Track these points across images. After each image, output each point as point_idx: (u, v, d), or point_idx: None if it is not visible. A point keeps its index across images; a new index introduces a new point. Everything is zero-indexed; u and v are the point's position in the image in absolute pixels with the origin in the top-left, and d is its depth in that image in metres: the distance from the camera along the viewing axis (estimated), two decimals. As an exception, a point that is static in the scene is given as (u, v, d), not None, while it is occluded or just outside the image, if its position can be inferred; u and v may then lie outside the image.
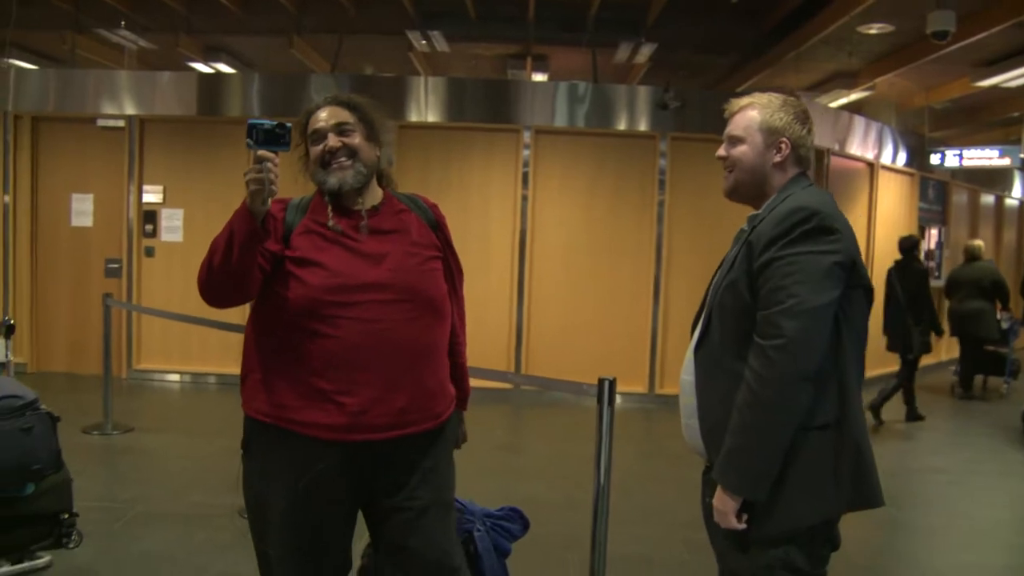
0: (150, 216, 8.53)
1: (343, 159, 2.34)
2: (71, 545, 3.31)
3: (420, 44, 10.48)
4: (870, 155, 9.89)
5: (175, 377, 8.61)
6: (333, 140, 2.34)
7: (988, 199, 13.17)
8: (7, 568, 3.17)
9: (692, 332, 2.32)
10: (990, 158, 10.93)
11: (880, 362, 9.85)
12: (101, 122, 8.54)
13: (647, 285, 8.39)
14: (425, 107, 8.50)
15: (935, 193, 11.38)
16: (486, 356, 7.72)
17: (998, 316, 9.40)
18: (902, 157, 10.54)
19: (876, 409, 7.80)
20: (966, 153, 10.88)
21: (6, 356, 4.27)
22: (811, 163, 2.28)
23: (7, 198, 8.50)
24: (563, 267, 8.44)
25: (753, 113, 2.24)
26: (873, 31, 9.25)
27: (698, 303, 2.33)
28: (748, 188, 2.26)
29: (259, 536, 2.38)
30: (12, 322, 3.98)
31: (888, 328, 7.89)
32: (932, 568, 4.57)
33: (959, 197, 12.08)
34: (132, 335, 8.55)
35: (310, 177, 2.40)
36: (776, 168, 2.22)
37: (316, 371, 2.23)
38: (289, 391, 2.25)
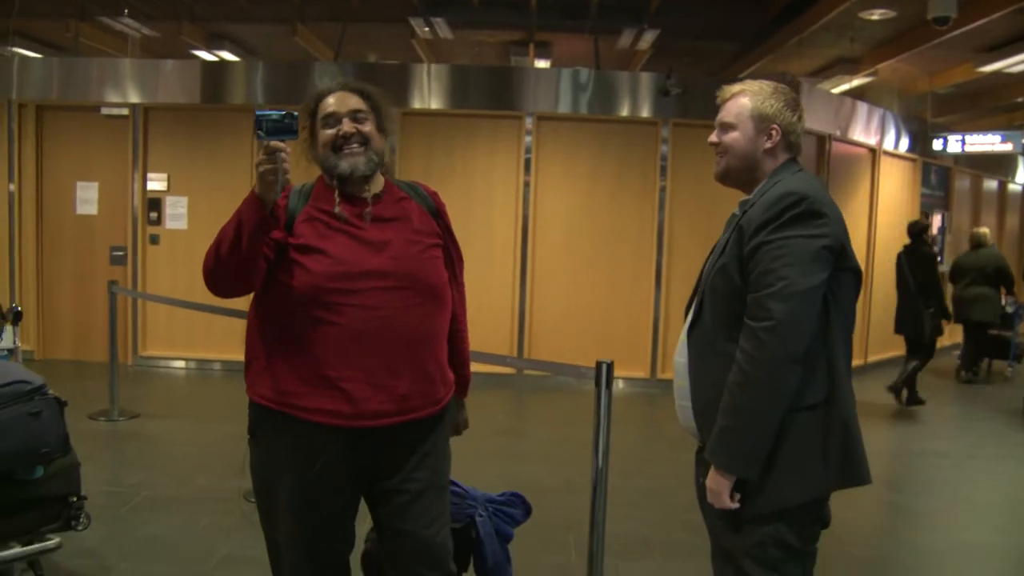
0: (154, 204, 8.57)
1: (355, 145, 2.35)
2: (80, 527, 3.34)
3: (423, 31, 10.47)
4: (872, 141, 9.89)
5: (180, 364, 8.68)
6: (348, 125, 2.35)
7: (991, 185, 13.16)
8: (18, 549, 3.22)
9: (685, 315, 2.37)
10: (992, 144, 10.91)
11: (889, 345, 9.93)
12: (105, 110, 8.57)
13: (648, 270, 8.43)
14: (428, 94, 8.53)
15: (937, 179, 11.38)
16: (489, 341, 7.76)
17: (1002, 301, 9.47)
18: (904, 143, 10.54)
19: (897, 391, 7.94)
20: (968, 139, 10.87)
21: (14, 342, 4.32)
22: (801, 149, 2.32)
23: (12, 186, 8.55)
24: (565, 253, 8.47)
25: (744, 100, 2.27)
26: (875, 17, 9.23)
27: (698, 288, 2.37)
28: (739, 173, 2.30)
29: (268, 522, 2.42)
30: (20, 309, 4.02)
31: (898, 312, 7.98)
32: (931, 549, 4.62)
33: (962, 183, 12.07)
34: (137, 322, 8.61)
35: (316, 161, 2.40)
36: (767, 154, 2.26)
37: (319, 358, 2.25)
38: (293, 378, 2.28)
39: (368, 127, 2.37)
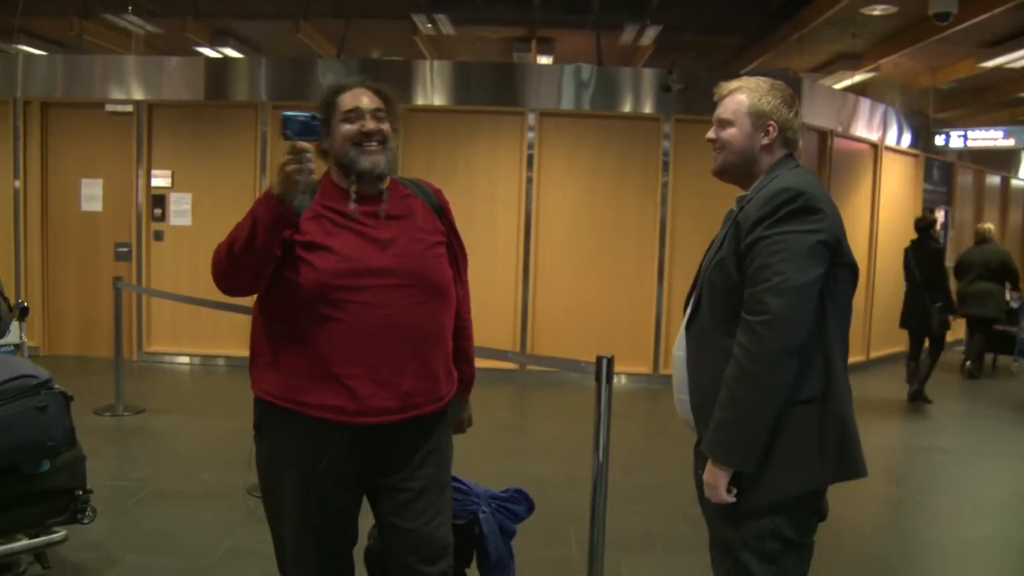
0: (159, 200, 8.61)
1: (375, 144, 2.35)
2: (86, 521, 3.37)
3: (426, 27, 10.48)
4: (874, 136, 9.90)
5: (185, 359, 8.72)
6: (372, 123, 2.35)
7: (994, 180, 13.15)
8: (25, 542, 3.25)
9: (684, 310, 2.39)
10: (995, 139, 10.92)
11: (892, 341, 9.95)
12: (109, 107, 8.61)
13: (651, 266, 8.46)
14: (431, 90, 8.55)
15: (940, 174, 11.38)
16: (491, 337, 7.77)
17: (1007, 297, 9.51)
18: (907, 138, 10.54)
19: (918, 394, 8.00)
20: (971, 134, 10.88)
21: (20, 338, 4.35)
22: (797, 145, 2.34)
23: (17, 183, 8.59)
24: (568, 249, 8.50)
25: (742, 97, 2.29)
26: (876, 12, 9.22)
27: (699, 284, 2.39)
28: (736, 169, 2.32)
29: (274, 518, 2.44)
30: (26, 305, 4.05)
31: (905, 306, 8.04)
32: (932, 545, 4.64)
33: (964, 178, 12.07)
34: (142, 318, 8.65)
35: (331, 156, 2.39)
36: (764, 150, 2.28)
37: (324, 355, 2.26)
38: (298, 374, 2.29)
39: (386, 126, 2.38)
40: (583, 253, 8.50)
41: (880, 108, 10.09)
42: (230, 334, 8.44)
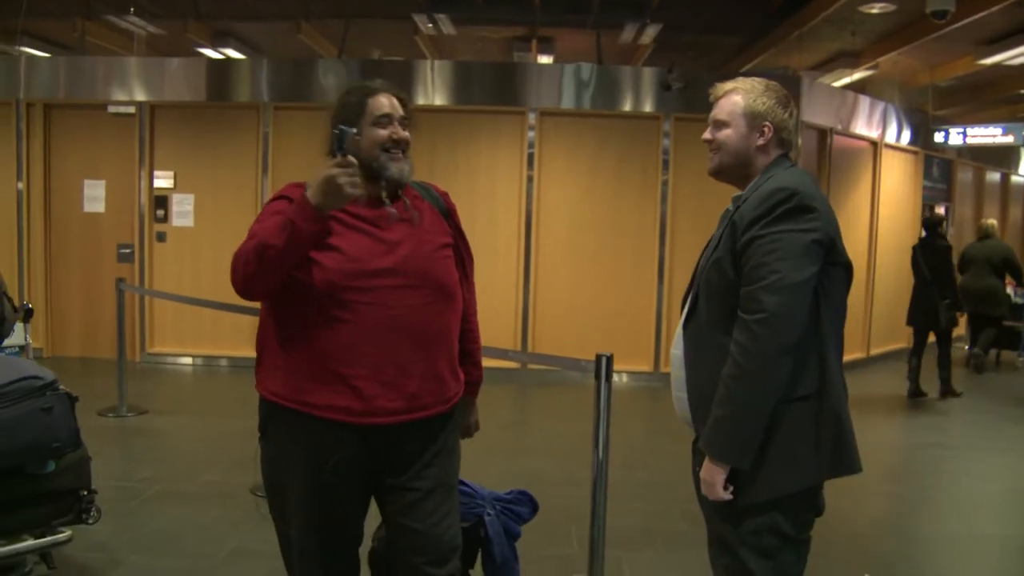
0: (161, 201, 8.64)
1: (400, 151, 2.39)
2: (90, 521, 3.40)
3: (427, 27, 10.50)
4: (874, 134, 9.91)
5: (187, 360, 8.75)
6: (401, 130, 2.39)
7: (994, 177, 13.17)
8: (31, 542, 3.27)
9: (681, 309, 2.41)
10: (994, 136, 10.94)
11: (892, 338, 9.98)
12: (112, 108, 8.64)
13: (651, 264, 8.48)
14: (432, 90, 8.57)
15: (940, 171, 11.40)
16: (492, 336, 7.74)
17: (1009, 291, 9.58)
18: (906, 135, 10.56)
19: (946, 390, 8.10)
20: (970, 131, 10.90)
21: (26, 339, 4.38)
22: (792, 145, 2.36)
23: (20, 185, 8.63)
24: (568, 247, 8.52)
25: (737, 98, 2.31)
26: (875, 10, 9.23)
27: (698, 282, 2.42)
28: (732, 169, 2.34)
29: (281, 518, 2.44)
30: (31, 306, 4.08)
31: (912, 303, 8.13)
32: (931, 540, 4.66)
33: (964, 175, 12.09)
34: (145, 319, 8.68)
35: (360, 158, 2.31)
36: (759, 150, 2.31)
37: (332, 355, 2.26)
38: (305, 374, 2.29)
39: (408, 134, 2.42)
40: (584, 252, 8.53)
41: (879, 106, 10.11)
42: (232, 335, 8.48)
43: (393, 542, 2.48)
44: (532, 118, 8.42)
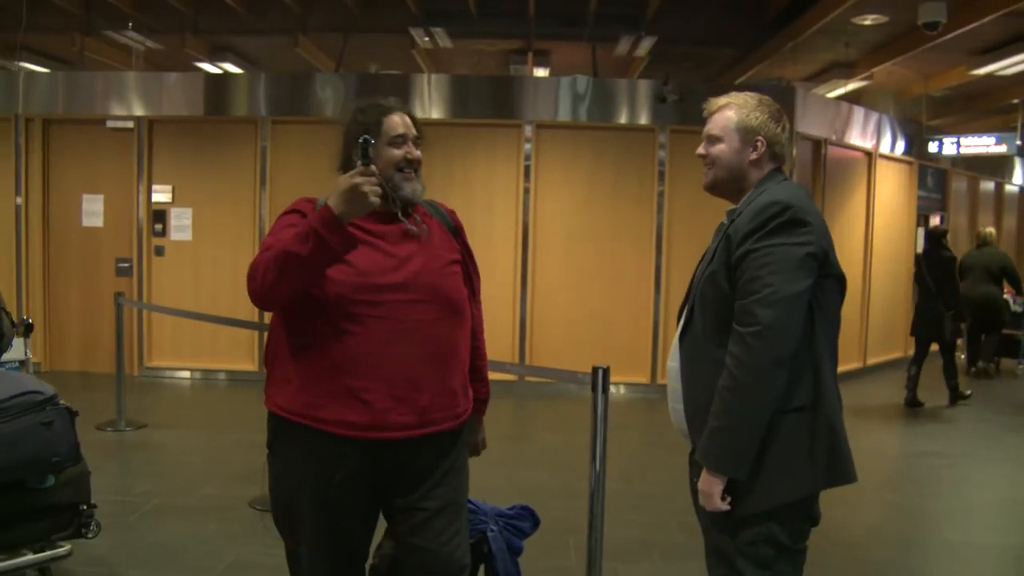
0: (159, 215, 8.66)
1: (412, 171, 2.43)
2: (90, 535, 3.40)
3: (423, 41, 10.57)
4: (868, 144, 9.96)
5: (186, 374, 8.75)
6: (415, 150, 2.43)
7: (988, 186, 13.23)
8: (30, 557, 3.27)
9: (677, 322, 2.44)
10: (987, 146, 11.01)
11: (888, 348, 10.01)
12: (111, 123, 8.67)
13: (648, 276, 8.50)
14: (429, 104, 8.61)
15: (934, 181, 11.46)
16: (490, 348, 7.78)
17: (1007, 299, 9.68)
18: (900, 145, 10.61)
19: (956, 397, 8.18)
20: (964, 141, 10.97)
21: (26, 354, 4.40)
22: (785, 159, 2.39)
23: (19, 199, 8.64)
24: (565, 259, 8.55)
25: (730, 113, 2.34)
26: (868, 22, 9.31)
27: (694, 293, 2.44)
28: (727, 184, 2.37)
29: (290, 535, 2.43)
30: (31, 321, 4.10)
31: (916, 313, 8.22)
32: (927, 549, 4.68)
33: (958, 184, 12.15)
34: (143, 333, 8.69)
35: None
36: (753, 165, 2.34)
37: (343, 368, 2.26)
38: (315, 388, 2.28)
39: (420, 152, 2.46)
40: (580, 263, 8.55)
41: (873, 116, 10.17)
42: (230, 349, 8.49)
43: (402, 561, 2.47)
44: (528, 131, 8.46)
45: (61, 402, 3.28)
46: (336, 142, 2.45)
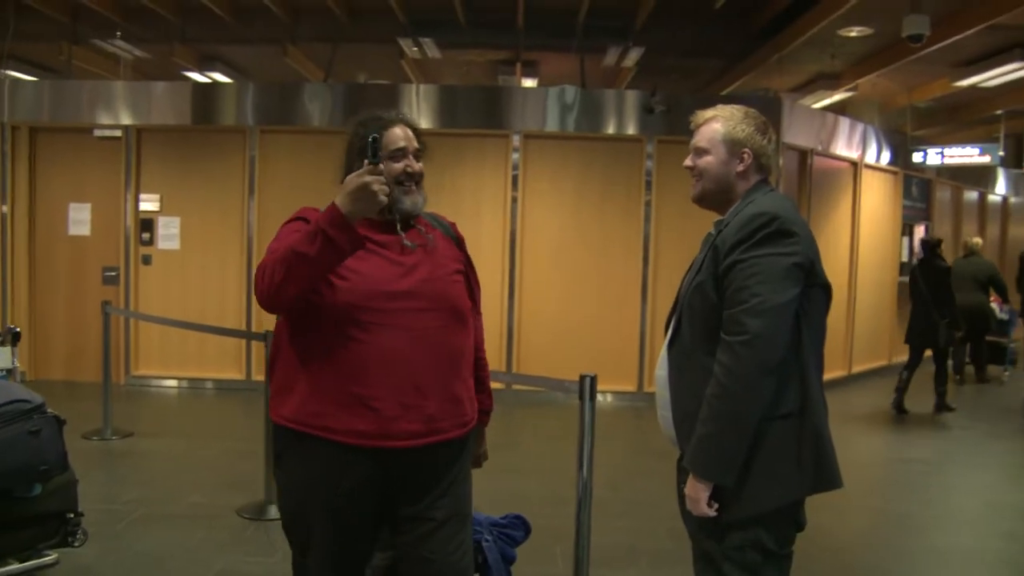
0: (147, 224, 8.64)
1: (413, 184, 2.44)
2: (77, 544, 3.40)
3: (412, 51, 10.60)
4: (854, 154, 10.04)
5: (172, 383, 8.72)
6: (415, 163, 2.44)
7: (971, 196, 13.35)
8: (16, 566, 3.27)
9: (665, 331, 2.47)
10: (971, 156, 11.13)
11: (873, 356, 10.08)
12: (98, 132, 8.64)
13: (635, 284, 8.53)
14: (417, 114, 8.61)
15: (919, 190, 11.56)
16: (479, 357, 7.83)
17: (994, 307, 9.82)
18: (886, 156, 10.70)
19: (942, 404, 8.24)
20: (947, 151, 11.08)
21: (13, 363, 4.39)
22: (771, 170, 2.43)
23: (5, 208, 8.61)
24: (553, 268, 8.57)
25: (717, 126, 2.38)
26: (853, 34, 9.41)
27: (682, 303, 2.47)
28: (714, 195, 2.40)
29: (297, 547, 2.43)
30: (17, 330, 4.10)
31: (911, 322, 8.29)
32: (909, 554, 4.70)
33: (943, 194, 12.26)
34: (130, 342, 8.65)
35: None
36: (739, 176, 2.37)
37: (350, 376, 2.26)
38: (323, 397, 2.28)
39: (421, 165, 2.47)
40: (568, 272, 8.58)
41: (859, 127, 10.25)
42: (218, 357, 8.47)
43: (407, 571, 2.46)
44: (516, 141, 8.49)
45: (49, 411, 3.29)
46: (338, 155, 2.46)
